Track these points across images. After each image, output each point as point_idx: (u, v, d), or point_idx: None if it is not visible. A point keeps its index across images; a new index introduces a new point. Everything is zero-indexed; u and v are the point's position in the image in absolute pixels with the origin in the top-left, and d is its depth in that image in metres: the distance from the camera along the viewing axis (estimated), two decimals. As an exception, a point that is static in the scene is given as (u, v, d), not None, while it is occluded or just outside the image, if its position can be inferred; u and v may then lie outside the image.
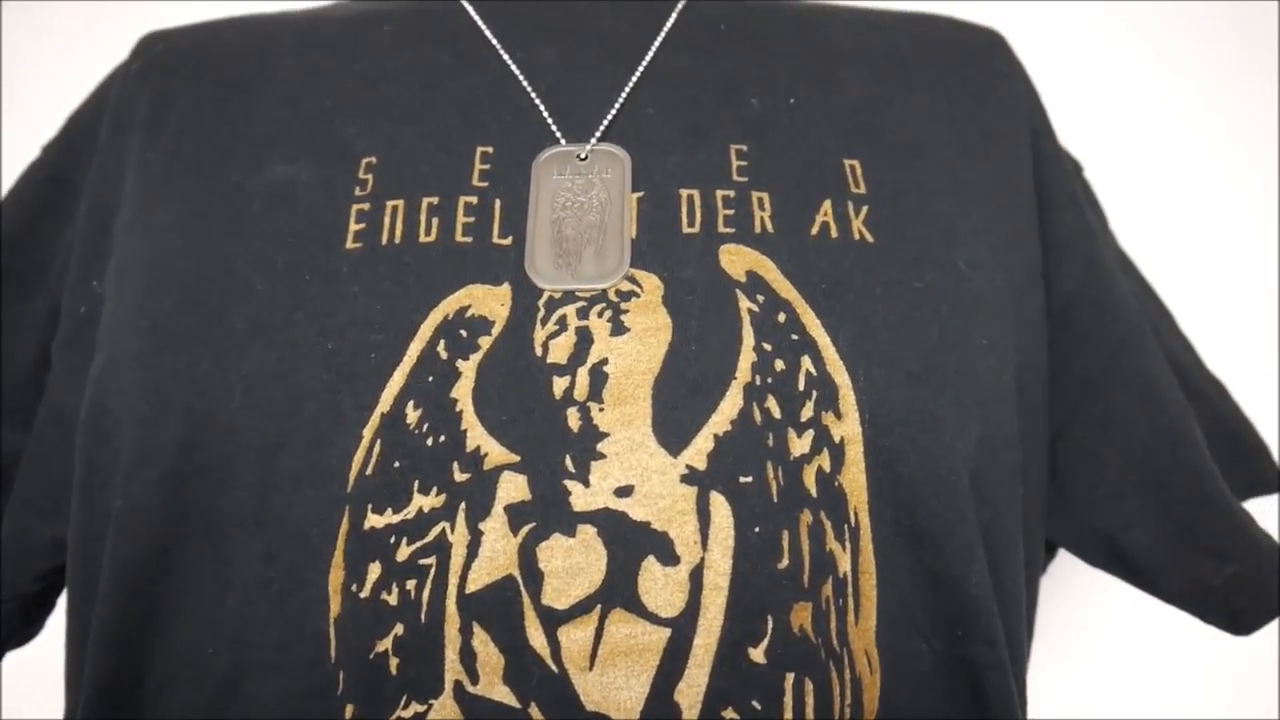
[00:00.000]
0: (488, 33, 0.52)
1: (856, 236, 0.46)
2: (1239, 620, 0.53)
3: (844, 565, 0.42)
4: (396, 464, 0.42)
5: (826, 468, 0.42)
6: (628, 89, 0.50)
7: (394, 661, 0.40)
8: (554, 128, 0.49)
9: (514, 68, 0.51)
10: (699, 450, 0.42)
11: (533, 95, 0.50)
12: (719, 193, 0.47)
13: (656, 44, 0.52)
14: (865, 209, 0.47)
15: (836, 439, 0.42)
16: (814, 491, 0.42)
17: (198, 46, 0.55)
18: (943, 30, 0.57)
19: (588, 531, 0.41)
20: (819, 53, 0.53)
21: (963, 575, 0.43)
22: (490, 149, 0.48)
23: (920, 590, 0.43)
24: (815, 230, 0.46)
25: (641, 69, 0.51)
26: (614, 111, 0.49)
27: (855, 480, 0.42)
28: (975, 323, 0.46)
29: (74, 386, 0.48)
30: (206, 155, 0.50)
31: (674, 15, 0.53)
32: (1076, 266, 0.54)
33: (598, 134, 0.48)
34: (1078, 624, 0.84)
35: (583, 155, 0.48)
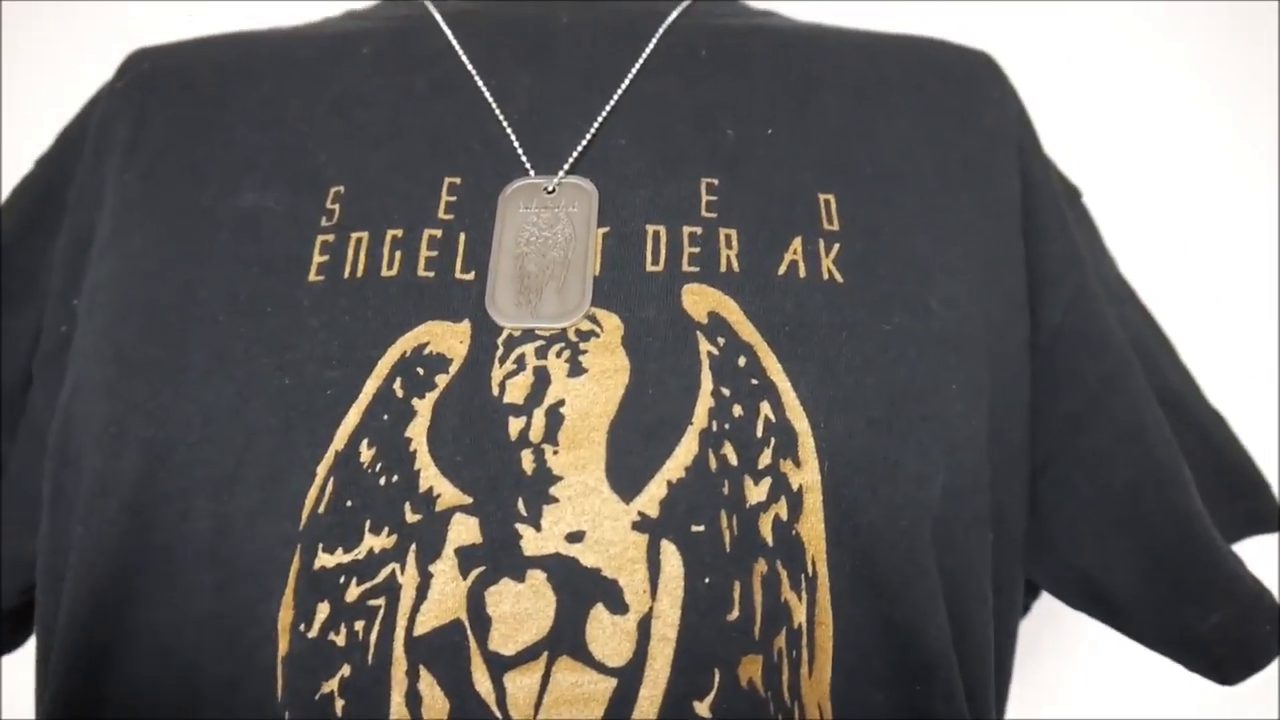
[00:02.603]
0: (464, 58, 0.52)
1: (825, 276, 0.45)
2: (1223, 670, 0.51)
3: (799, 616, 0.41)
4: (349, 503, 0.41)
5: (784, 516, 0.41)
6: (600, 118, 0.49)
7: (340, 703, 0.40)
8: (524, 158, 0.48)
9: (487, 94, 0.50)
10: (652, 497, 0.41)
11: (504, 124, 0.49)
12: (686, 229, 0.46)
13: (633, 71, 0.51)
14: (837, 247, 0.46)
15: (795, 487, 0.42)
16: (770, 540, 0.41)
17: (181, 65, 0.55)
18: (931, 53, 0.55)
19: (537, 577, 0.40)
20: (801, 79, 0.52)
21: (922, 628, 0.42)
22: (458, 180, 0.48)
23: (878, 642, 0.42)
24: (783, 270, 0.45)
25: (616, 97, 0.50)
26: (585, 142, 0.49)
27: (813, 529, 0.41)
28: (945, 365, 0.45)
29: (48, 406, 0.49)
30: (180, 178, 0.50)
31: (653, 41, 0.52)
32: (1063, 299, 0.53)
33: (566, 166, 0.48)
34: (1077, 623, 0.83)
35: (550, 188, 0.47)
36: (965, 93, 0.54)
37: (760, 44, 0.54)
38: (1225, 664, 0.51)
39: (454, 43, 0.53)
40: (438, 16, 0.54)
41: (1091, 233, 0.60)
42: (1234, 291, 0.84)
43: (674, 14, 0.54)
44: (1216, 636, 0.51)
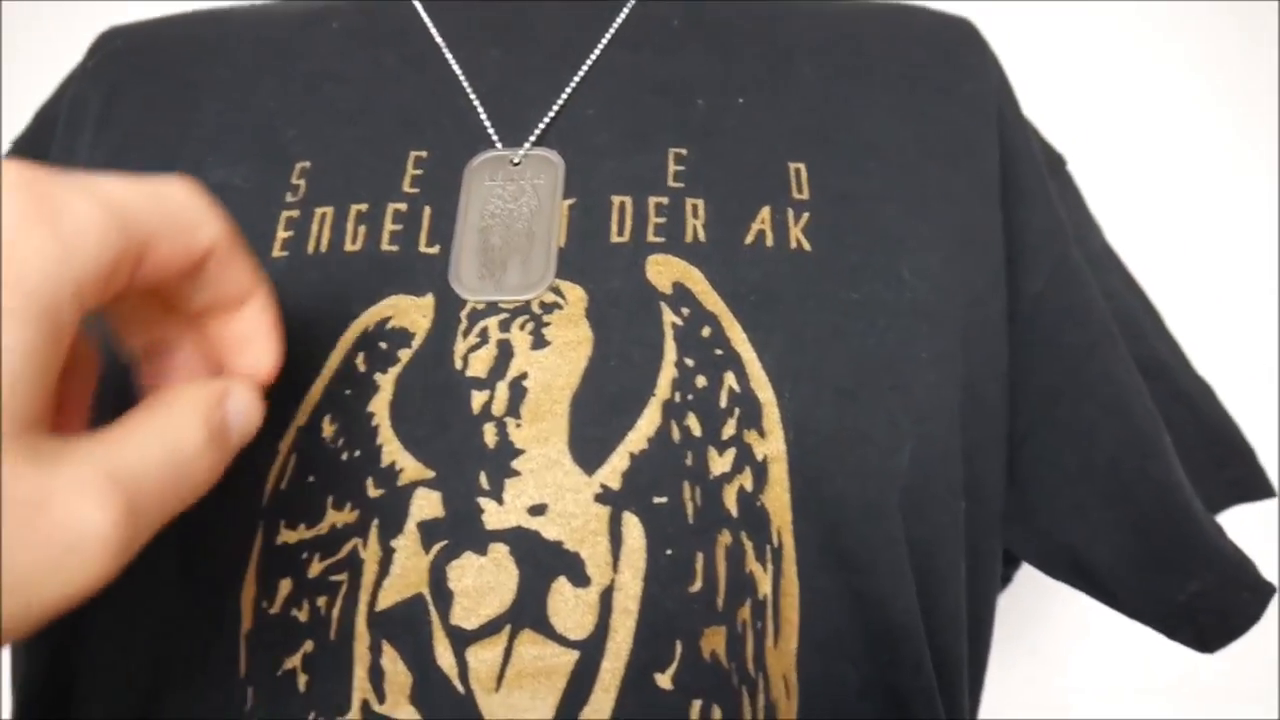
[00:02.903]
0: (434, 32, 0.51)
1: (793, 245, 0.45)
2: (1204, 638, 0.51)
3: (764, 587, 0.41)
4: (310, 478, 0.41)
5: (749, 487, 0.41)
6: (569, 90, 0.49)
7: (303, 678, 0.40)
8: (491, 131, 0.48)
9: (457, 69, 0.50)
10: (614, 469, 0.41)
11: (473, 97, 0.49)
12: (652, 199, 0.45)
13: (603, 43, 0.51)
14: (806, 216, 0.46)
15: (759, 458, 0.41)
16: (734, 511, 0.41)
17: (152, 43, 0.55)
18: (911, 21, 0.54)
19: (499, 550, 0.40)
20: (777, 49, 0.52)
21: (889, 599, 0.42)
22: (424, 153, 0.47)
23: (845, 613, 0.42)
24: (750, 239, 0.45)
25: (585, 69, 0.50)
26: (551, 114, 0.48)
27: (779, 500, 0.41)
28: (916, 334, 0.45)
29: None
30: (149, 156, 0.50)
31: (625, 11, 0.52)
32: (1044, 269, 0.52)
33: (532, 138, 0.47)
34: (1075, 623, 0.82)
35: (516, 160, 0.47)
36: (944, 61, 0.53)
37: (735, 14, 0.53)
38: (1205, 632, 0.51)
39: (425, 17, 0.52)
40: None
41: (1075, 201, 0.60)
42: (1235, 290, 0.83)
43: None
44: (1197, 605, 0.50)
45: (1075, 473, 0.51)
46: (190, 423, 0.29)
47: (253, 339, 0.33)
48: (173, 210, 0.28)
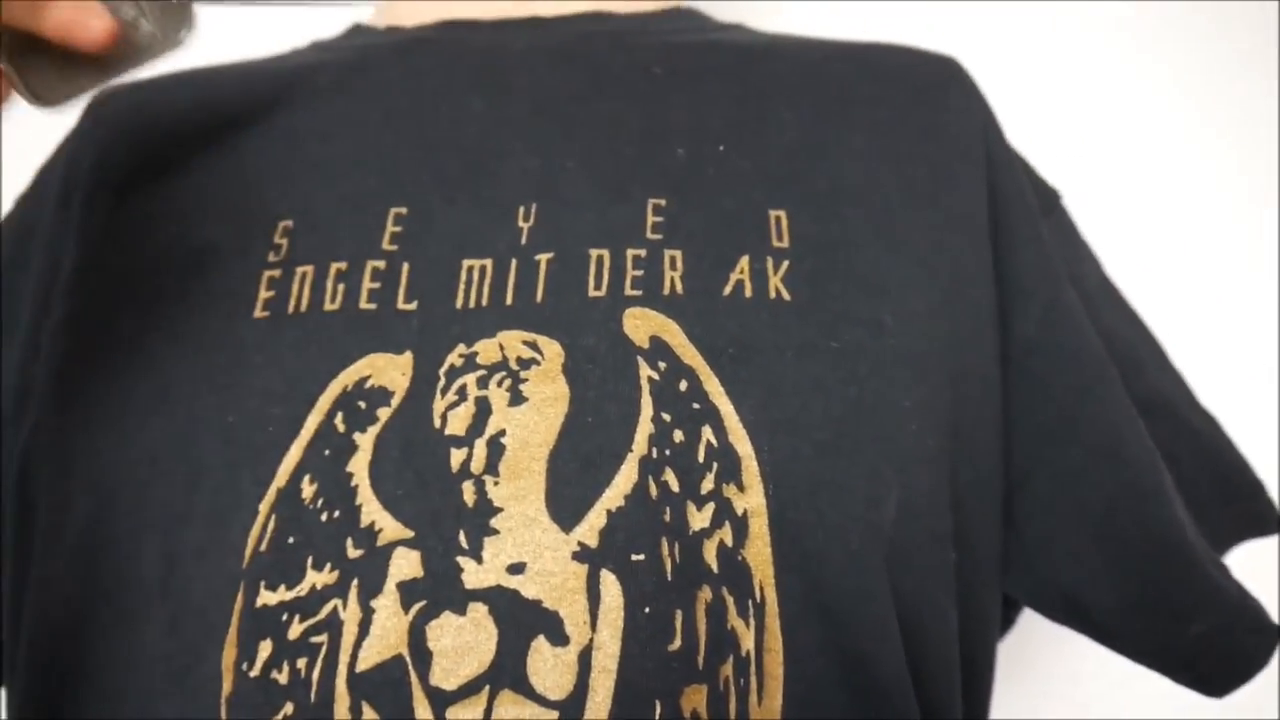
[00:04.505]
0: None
1: (773, 295, 0.45)
2: (1208, 681, 0.50)
3: (747, 643, 0.40)
4: (290, 540, 0.41)
5: (729, 542, 0.41)
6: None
7: None
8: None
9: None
10: (591, 526, 0.41)
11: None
12: (630, 252, 0.45)
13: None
14: (786, 264, 0.45)
15: (739, 512, 0.41)
16: (715, 567, 0.41)
17: (142, 105, 0.55)
18: (892, 62, 0.54)
19: (479, 610, 0.40)
20: (757, 93, 0.51)
21: (874, 653, 0.41)
22: (404, 210, 0.48)
23: (830, 667, 0.41)
24: (729, 289, 0.45)
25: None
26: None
27: (760, 554, 0.41)
28: (898, 383, 0.44)
29: (15, 449, 0.50)
30: (139, 218, 0.50)
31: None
32: (1036, 311, 0.51)
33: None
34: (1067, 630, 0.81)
35: None
36: (927, 102, 0.53)
37: (715, 60, 0.53)
38: (1211, 676, 0.50)
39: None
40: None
41: (1070, 237, 0.59)
42: (1235, 294, 0.82)
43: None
44: (1199, 648, 0.49)
45: (1071, 517, 0.50)
46: None
47: None
48: None
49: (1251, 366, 0.80)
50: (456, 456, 0.42)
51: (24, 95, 0.40)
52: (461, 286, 0.45)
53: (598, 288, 0.45)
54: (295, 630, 0.41)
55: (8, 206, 0.59)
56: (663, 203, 0.47)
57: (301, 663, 0.40)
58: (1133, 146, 0.85)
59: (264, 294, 0.46)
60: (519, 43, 0.54)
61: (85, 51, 0.39)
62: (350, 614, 0.40)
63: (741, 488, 0.41)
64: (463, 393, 0.43)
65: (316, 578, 0.41)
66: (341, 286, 0.45)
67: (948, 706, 0.44)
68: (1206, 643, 0.49)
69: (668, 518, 0.41)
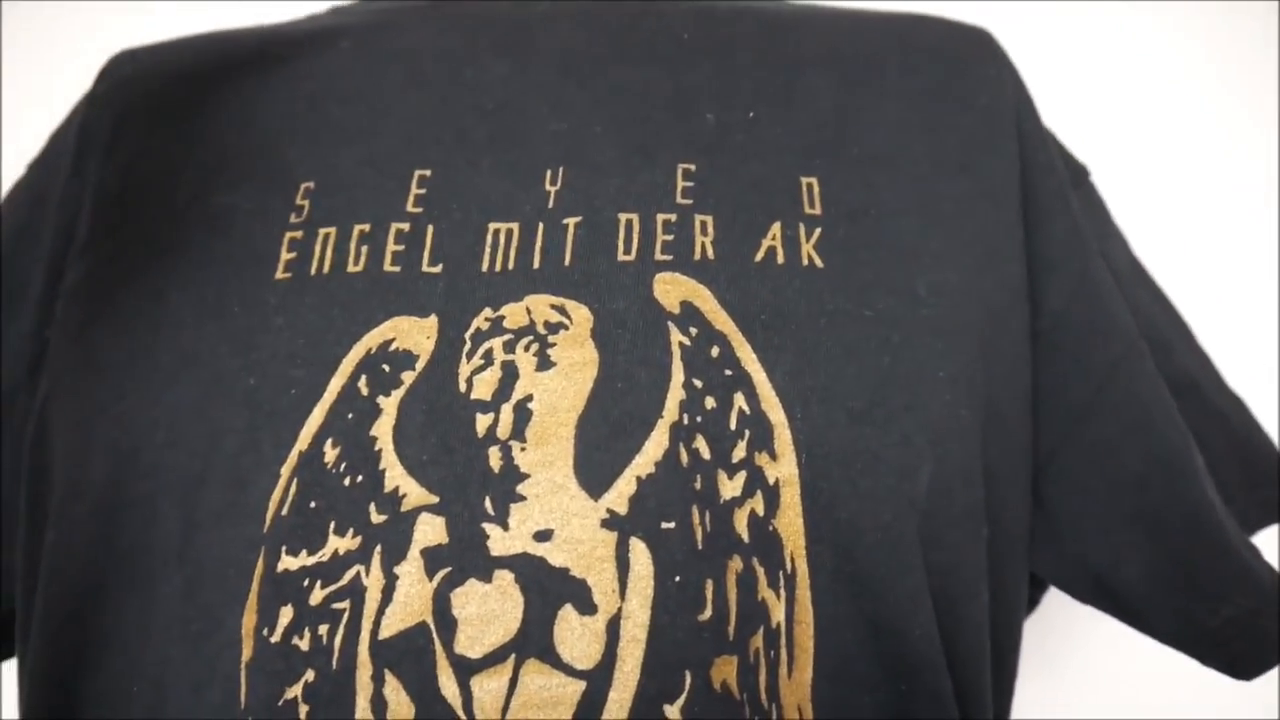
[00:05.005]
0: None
1: (805, 262, 0.44)
2: (1237, 665, 0.49)
3: (777, 615, 0.39)
4: (312, 504, 0.41)
5: (760, 511, 0.40)
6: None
7: (304, 709, 0.39)
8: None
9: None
10: (620, 494, 0.40)
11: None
12: (660, 217, 0.45)
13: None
14: (818, 231, 0.45)
15: (771, 481, 0.40)
16: (745, 537, 0.40)
17: (160, 67, 0.55)
18: (925, 32, 0.53)
19: (505, 577, 0.39)
20: (788, 61, 0.51)
21: (906, 627, 0.40)
22: (428, 172, 0.47)
23: (862, 641, 0.40)
24: (760, 256, 0.44)
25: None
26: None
27: (791, 524, 0.40)
28: (932, 353, 0.43)
29: (28, 412, 0.49)
30: (156, 180, 0.49)
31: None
32: (1066, 284, 0.51)
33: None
34: (1075, 623, 0.80)
35: None
36: (960, 72, 0.52)
37: (746, 27, 0.52)
38: (1239, 660, 0.49)
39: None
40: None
41: (1099, 213, 0.58)
42: (1236, 290, 0.82)
43: None
44: (1230, 631, 0.48)
45: (1102, 493, 0.49)
46: None
47: None
48: None
49: (1251, 367, 0.79)
50: (482, 421, 0.41)
51: None
52: (487, 250, 0.45)
53: (627, 252, 0.44)
54: (317, 596, 0.40)
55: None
56: (692, 168, 0.46)
57: (323, 629, 0.39)
58: (1132, 146, 0.84)
59: (286, 255, 0.45)
60: (543, 5, 0.53)
61: None
62: (373, 580, 0.40)
63: (774, 456, 0.40)
64: (489, 357, 0.42)
65: (339, 543, 0.40)
66: (365, 248, 0.45)
67: (978, 685, 0.43)
68: (1237, 625, 0.48)
69: (698, 485, 0.40)
